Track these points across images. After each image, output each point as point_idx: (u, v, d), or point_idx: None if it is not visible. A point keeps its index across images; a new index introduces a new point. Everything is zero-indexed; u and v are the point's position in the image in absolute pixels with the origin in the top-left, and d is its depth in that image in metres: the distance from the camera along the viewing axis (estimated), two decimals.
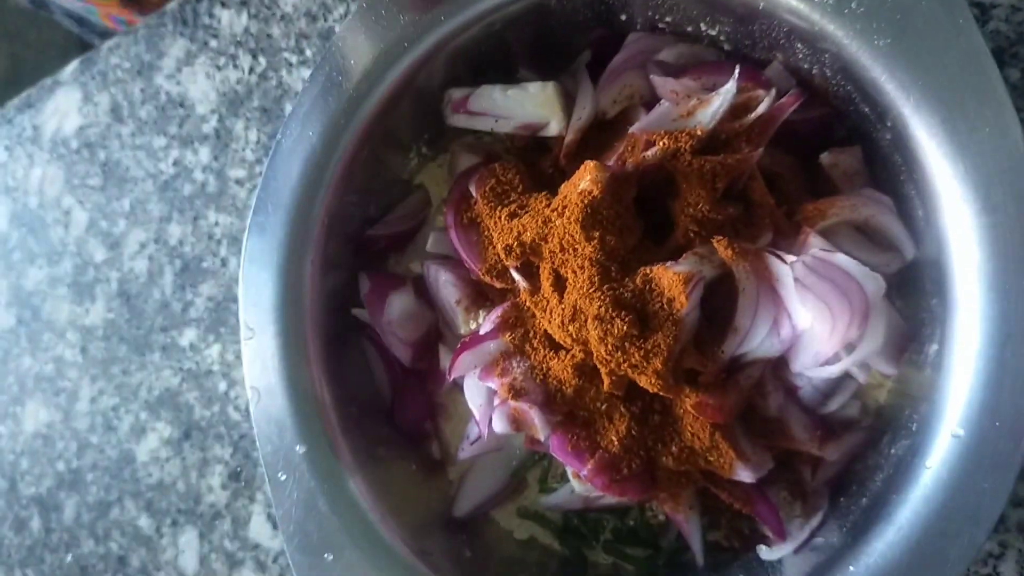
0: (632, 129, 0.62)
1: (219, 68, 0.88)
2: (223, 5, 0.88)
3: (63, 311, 0.96)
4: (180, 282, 0.88)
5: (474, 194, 0.66)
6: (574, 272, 0.60)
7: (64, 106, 0.96)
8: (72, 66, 0.96)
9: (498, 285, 0.67)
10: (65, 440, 0.95)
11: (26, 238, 0.99)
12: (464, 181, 0.68)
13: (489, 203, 0.65)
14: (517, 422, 0.64)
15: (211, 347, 0.87)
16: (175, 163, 0.90)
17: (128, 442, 0.91)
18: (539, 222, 0.61)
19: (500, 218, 0.64)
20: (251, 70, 0.86)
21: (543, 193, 0.64)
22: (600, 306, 0.59)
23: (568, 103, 0.65)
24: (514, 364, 0.64)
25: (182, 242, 0.89)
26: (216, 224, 0.87)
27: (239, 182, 0.87)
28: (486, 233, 0.67)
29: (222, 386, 0.86)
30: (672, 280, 0.58)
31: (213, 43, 0.88)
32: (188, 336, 0.88)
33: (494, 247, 0.66)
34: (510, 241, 0.62)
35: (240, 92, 0.87)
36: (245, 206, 0.86)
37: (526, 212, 0.63)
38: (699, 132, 0.60)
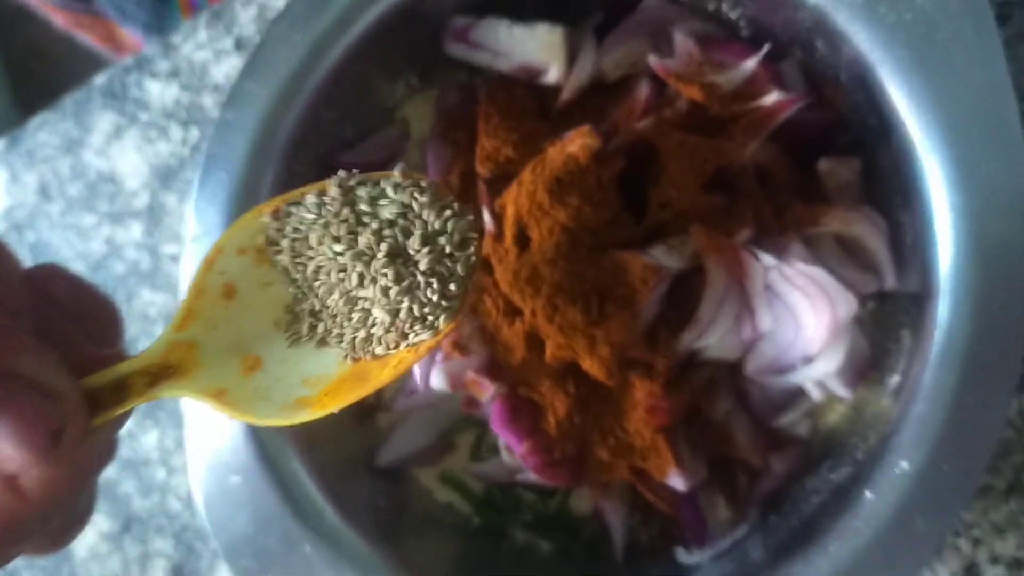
0: (650, 60, 0.60)
1: (150, 141, 0.84)
2: (152, 76, 0.84)
3: None
4: None
5: (479, 98, 0.63)
6: (541, 233, 0.57)
7: None
8: None
9: None
10: None
11: None
12: (460, 106, 0.66)
13: (490, 112, 0.62)
14: (456, 381, 0.62)
15: (148, 433, 0.83)
16: (106, 241, 0.85)
17: None
18: (532, 149, 0.59)
19: (493, 126, 0.61)
20: (183, 142, 0.83)
21: (549, 125, 0.61)
22: (561, 277, 0.56)
23: (573, 55, 0.62)
24: (464, 320, 0.61)
25: None
26: (151, 303, 0.83)
27: (174, 258, 0.82)
28: (461, 157, 0.64)
29: (161, 475, 0.82)
30: (639, 270, 0.56)
31: (143, 116, 0.84)
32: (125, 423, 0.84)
33: (456, 174, 0.63)
34: (492, 148, 0.60)
35: (172, 165, 0.83)
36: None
37: (523, 134, 0.61)
38: (718, 87, 0.58)
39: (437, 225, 0.37)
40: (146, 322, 0.83)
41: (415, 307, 0.37)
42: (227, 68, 0.81)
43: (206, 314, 0.38)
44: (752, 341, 0.57)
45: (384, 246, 0.36)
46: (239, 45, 0.81)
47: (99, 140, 0.86)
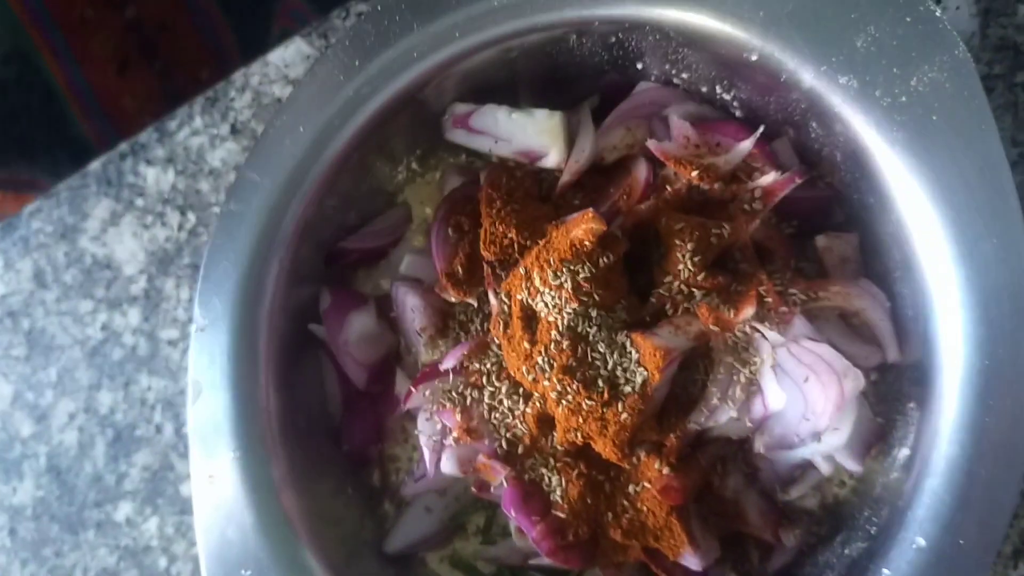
0: (649, 144, 0.61)
1: (146, 227, 0.84)
2: (148, 163, 0.85)
3: None
4: (113, 453, 0.83)
5: (481, 183, 0.64)
6: (550, 317, 0.58)
7: None
8: None
9: (451, 295, 0.64)
10: None
11: None
12: (463, 190, 0.66)
13: (492, 196, 0.62)
14: (466, 465, 0.62)
15: (148, 520, 0.82)
16: (103, 327, 0.85)
17: None
18: (535, 231, 0.60)
19: (496, 210, 0.61)
20: (180, 227, 0.83)
21: (550, 207, 0.62)
22: (570, 360, 0.57)
23: (571, 138, 0.63)
24: (473, 404, 0.61)
25: (113, 410, 0.84)
26: (149, 389, 0.83)
27: (172, 343, 0.83)
28: (465, 240, 0.64)
29: (162, 562, 0.82)
30: (650, 352, 0.56)
31: (139, 201, 0.85)
32: (124, 510, 0.83)
33: (464, 257, 0.64)
34: (496, 233, 0.60)
35: (169, 250, 0.84)
36: (179, 368, 0.82)
37: (526, 217, 0.61)
38: (716, 168, 0.59)
39: None
40: (144, 407, 0.82)
41: None
42: (223, 153, 0.82)
43: None
44: (762, 419, 0.57)
45: None
46: (235, 130, 0.81)
47: (95, 226, 0.86)
